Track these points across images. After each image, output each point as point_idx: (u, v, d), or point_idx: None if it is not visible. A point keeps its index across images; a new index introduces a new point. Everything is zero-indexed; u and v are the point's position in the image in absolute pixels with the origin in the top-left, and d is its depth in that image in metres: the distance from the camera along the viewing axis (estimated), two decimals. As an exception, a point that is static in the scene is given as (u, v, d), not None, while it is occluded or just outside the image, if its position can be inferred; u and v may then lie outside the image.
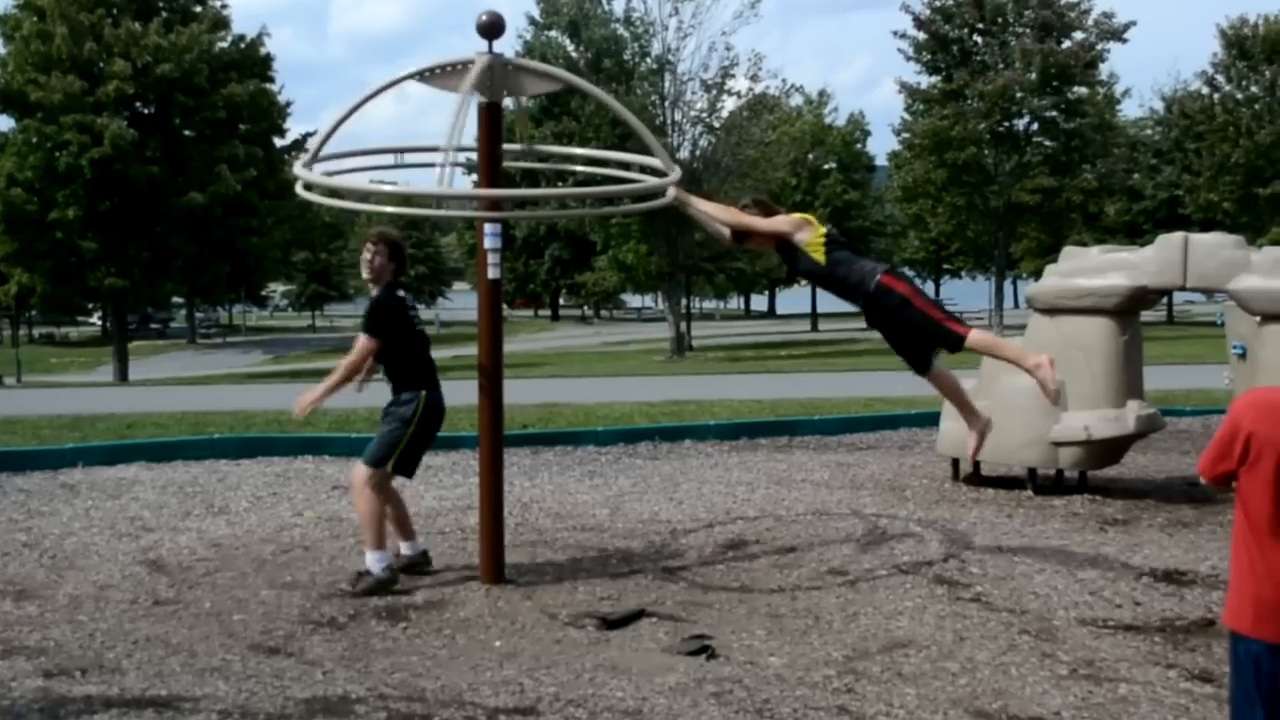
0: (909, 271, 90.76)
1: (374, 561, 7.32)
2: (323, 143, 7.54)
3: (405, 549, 7.77)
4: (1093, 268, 10.29)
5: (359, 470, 7.42)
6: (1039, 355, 7.02)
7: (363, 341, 7.35)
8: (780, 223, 7.34)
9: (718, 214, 7.62)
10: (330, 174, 7.85)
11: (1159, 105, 63.29)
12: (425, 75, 7.51)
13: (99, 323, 79.24)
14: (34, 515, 9.57)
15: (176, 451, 12.38)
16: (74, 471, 11.50)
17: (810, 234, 7.23)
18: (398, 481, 7.72)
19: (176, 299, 62.18)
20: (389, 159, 8.29)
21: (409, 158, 8.37)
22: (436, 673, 5.81)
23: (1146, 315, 11.48)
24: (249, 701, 5.30)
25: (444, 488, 10.59)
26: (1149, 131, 64.76)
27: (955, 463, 11.03)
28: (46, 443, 12.73)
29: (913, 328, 7.08)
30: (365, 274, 7.59)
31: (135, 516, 9.56)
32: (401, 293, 7.55)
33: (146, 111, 41.73)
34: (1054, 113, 46.99)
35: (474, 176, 8.26)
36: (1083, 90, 47.81)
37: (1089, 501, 10.06)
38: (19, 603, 7.12)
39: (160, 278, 42.49)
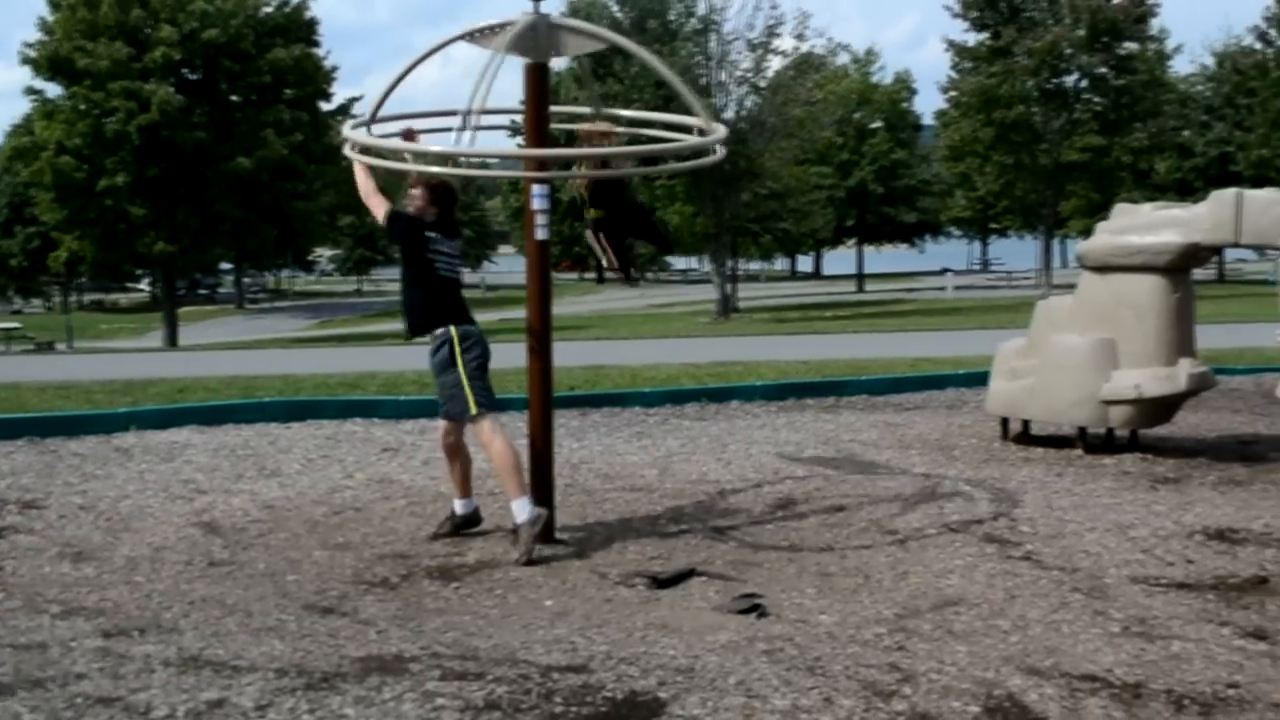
0: (955, 230, 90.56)
1: (520, 510, 7.23)
2: (378, 106, 7.57)
3: (460, 507, 7.83)
4: (1144, 225, 10.19)
5: (474, 427, 7.46)
6: None
7: (379, 203, 7.66)
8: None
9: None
10: (379, 136, 7.86)
11: (1210, 61, 62.64)
12: (474, 36, 7.49)
13: (148, 289, 79.98)
14: (89, 479, 9.69)
15: (227, 415, 12.48)
16: (127, 435, 11.62)
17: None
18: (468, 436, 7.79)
19: (224, 264, 62.68)
20: (438, 122, 8.29)
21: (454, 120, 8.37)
22: (489, 632, 5.84)
23: (1198, 274, 11.37)
24: (304, 660, 5.36)
25: (493, 449, 10.65)
26: (1200, 87, 63.99)
27: (1004, 422, 10.98)
28: (99, 407, 12.85)
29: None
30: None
31: (188, 479, 9.65)
32: (432, 233, 7.57)
33: (193, 77, 42.04)
34: (1103, 69, 46.39)
35: (520, 139, 8.27)
36: (1133, 46, 47.12)
37: (1140, 460, 9.99)
38: (77, 564, 7.22)
39: (208, 243, 42.87)
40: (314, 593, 6.62)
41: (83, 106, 40.24)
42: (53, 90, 42.42)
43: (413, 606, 6.37)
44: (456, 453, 7.77)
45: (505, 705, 4.78)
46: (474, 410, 7.39)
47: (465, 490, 7.87)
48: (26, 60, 41.26)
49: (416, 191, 7.64)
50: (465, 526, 7.81)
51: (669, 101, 33.54)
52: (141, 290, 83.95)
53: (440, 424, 7.79)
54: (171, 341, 41.75)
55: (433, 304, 7.57)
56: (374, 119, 7.55)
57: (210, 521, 8.28)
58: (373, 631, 5.85)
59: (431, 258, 7.54)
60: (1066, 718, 4.68)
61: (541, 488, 7.57)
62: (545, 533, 7.43)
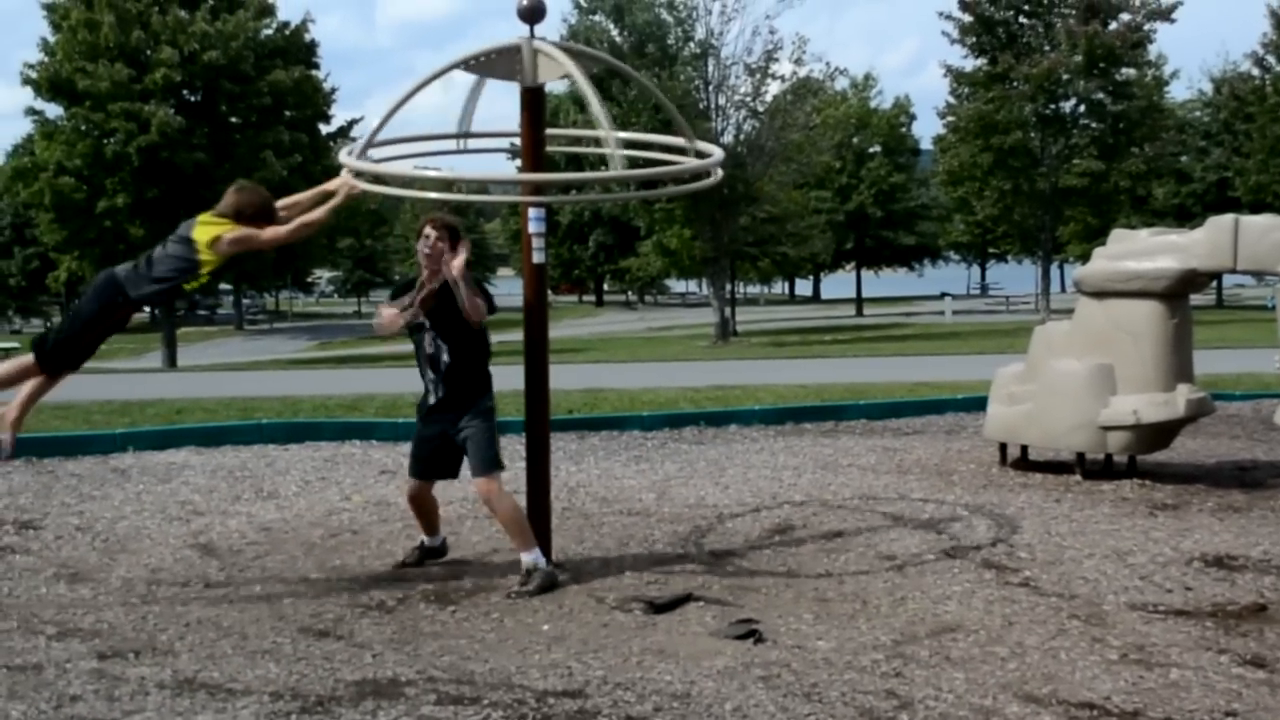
0: (954, 255, 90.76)
1: (534, 560, 7.13)
2: (374, 134, 7.55)
3: (429, 541, 7.78)
4: (1141, 250, 10.20)
5: (484, 484, 7.20)
6: None
7: (482, 307, 7.17)
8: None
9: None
10: (376, 160, 7.85)
11: (1207, 87, 63.04)
12: (470, 64, 7.49)
13: (146, 309, 79.96)
14: (86, 499, 9.67)
15: (225, 436, 12.47)
16: (124, 456, 11.60)
17: None
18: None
19: (223, 285, 62.64)
20: (437, 145, 8.29)
21: (450, 144, 8.38)
22: (485, 656, 5.83)
23: (1196, 299, 11.38)
24: (300, 684, 5.35)
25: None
26: (1198, 113, 64.25)
27: (1002, 447, 10.98)
28: (97, 428, 12.83)
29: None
30: (423, 261, 7.28)
31: (185, 500, 9.64)
32: None
33: (193, 99, 42.04)
34: (1101, 95, 46.51)
35: (518, 161, 8.27)
36: (1130, 72, 47.29)
37: (1138, 486, 9.98)
38: (73, 585, 7.20)
39: (207, 264, 42.76)
40: (310, 615, 6.60)
41: (83, 127, 40.28)
42: (53, 111, 42.51)
43: (409, 630, 6.35)
44: (426, 501, 7.67)
45: (501, 730, 4.77)
46: (503, 465, 7.35)
47: (436, 530, 7.82)
48: (27, 81, 41.31)
49: (436, 232, 7.24)
50: (432, 556, 7.77)
51: (667, 125, 33.57)
52: (140, 311, 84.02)
53: (411, 481, 7.64)
54: (170, 362, 41.68)
55: (485, 368, 7.44)
56: (368, 148, 7.50)
57: (207, 543, 8.27)
58: (368, 655, 5.84)
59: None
60: (1064, 745, 4.67)
61: (538, 511, 7.56)
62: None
